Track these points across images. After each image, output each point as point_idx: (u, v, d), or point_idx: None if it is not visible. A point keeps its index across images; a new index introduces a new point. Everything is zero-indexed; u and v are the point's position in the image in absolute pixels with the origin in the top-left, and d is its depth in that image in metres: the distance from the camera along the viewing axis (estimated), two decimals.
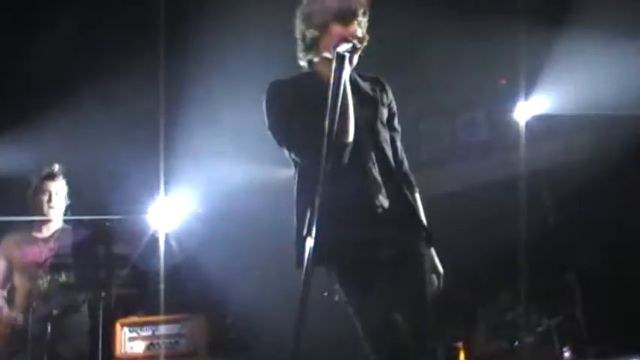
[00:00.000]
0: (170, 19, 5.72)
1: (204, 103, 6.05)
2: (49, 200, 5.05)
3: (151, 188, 6.43)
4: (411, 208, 3.05)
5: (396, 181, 3.04)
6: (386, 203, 2.96)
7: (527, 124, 6.44)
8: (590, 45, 5.64)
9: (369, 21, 3.01)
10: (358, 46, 2.82)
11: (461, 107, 6.76)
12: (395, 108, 3.20)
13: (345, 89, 2.72)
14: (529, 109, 6.45)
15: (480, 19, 5.74)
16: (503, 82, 6.45)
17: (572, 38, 5.73)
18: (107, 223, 5.17)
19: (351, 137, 2.85)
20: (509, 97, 6.46)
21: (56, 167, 5.12)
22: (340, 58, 2.69)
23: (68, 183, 5.19)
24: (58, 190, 5.11)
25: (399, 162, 3.15)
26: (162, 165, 6.21)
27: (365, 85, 3.11)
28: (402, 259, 2.93)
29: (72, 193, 5.21)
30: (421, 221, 3.09)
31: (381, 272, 2.87)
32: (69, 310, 4.93)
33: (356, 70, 3.08)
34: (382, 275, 2.87)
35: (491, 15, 5.69)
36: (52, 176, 5.09)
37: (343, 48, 2.74)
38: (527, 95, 6.37)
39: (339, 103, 2.62)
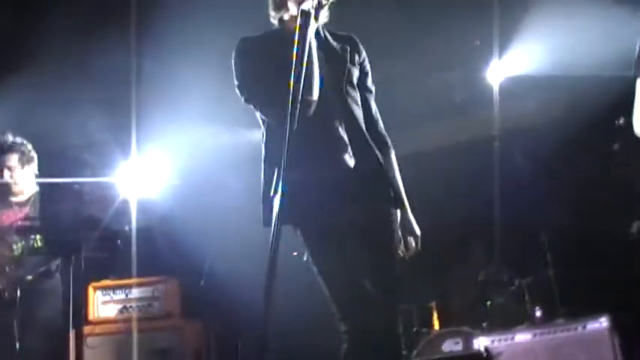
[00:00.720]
0: None
1: (178, 66, 5.97)
2: (3, 176, 4.83)
3: (124, 152, 6.38)
4: (380, 169, 3.01)
5: (366, 141, 3.00)
6: (352, 163, 2.93)
7: (501, 85, 6.42)
8: (563, 5, 5.61)
9: None
10: (324, 2, 2.78)
11: (435, 68, 6.71)
12: (368, 67, 3.15)
13: (310, 46, 2.68)
14: (503, 69, 6.43)
15: None
16: (477, 42, 6.41)
17: None
18: (76, 186, 5.10)
19: (315, 94, 2.82)
20: (483, 57, 6.43)
21: (4, 139, 4.86)
22: (304, 14, 2.66)
23: (33, 150, 4.98)
24: (12, 165, 4.86)
25: (371, 122, 3.10)
26: (134, 128, 6.15)
27: (335, 44, 3.08)
28: (368, 219, 2.93)
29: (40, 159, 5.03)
30: (390, 182, 3.06)
31: (345, 233, 2.86)
32: (42, 276, 4.86)
33: (328, 27, 3.06)
34: (347, 236, 2.86)
35: None
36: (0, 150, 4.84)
37: (307, 5, 2.70)
38: (500, 55, 6.34)
39: (304, 60, 2.58)
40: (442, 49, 6.34)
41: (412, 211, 3.15)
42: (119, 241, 5.83)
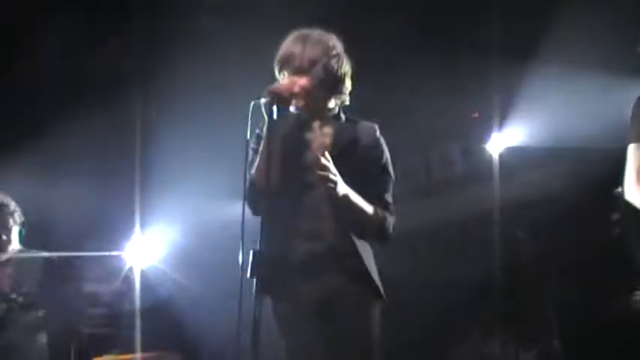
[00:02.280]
0: (147, 56, 5.74)
1: (181, 138, 6.04)
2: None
3: (126, 226, 6.40)
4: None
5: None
6: (326, 248, 2.97)
7: (501, 156, 6.47)
8: (563, 78, 5.70)
9: None
10: (285, 95, 2.88)
11: (434, 140, 6.78)
12: (381, 158, 3.14)
13: (270, 135, 2.83)
14: (503, 141, 6.48)
15: (454, 50, 5.79)
16: (476, 115, 6.49)
17: (545, 71, 5.79)
18: (79, 262, 5.10)
19: (268, 183, 2.81)
20: (483, 129, 6.49)
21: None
22: (255, 107, 2.81)
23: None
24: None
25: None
26: (137, 202, 6.19)
27: (338, 129, 3.10)
28: (333, 309, 2.94)
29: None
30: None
31: (308, 320, 2.93)
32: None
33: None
34: (309, 323, 2.93)
35: (464, 45, 5.73)
36: None
37: (260, 99, 2.82)
38: (500, 127, 6.40)
39: (261, 149, 2.83)
40: (441, 122, 6.40)
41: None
42: (122, 316, 5.82)
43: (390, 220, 3.12)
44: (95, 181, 6.30)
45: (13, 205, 4.91)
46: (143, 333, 5.94)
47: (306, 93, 2.97)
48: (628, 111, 3.43)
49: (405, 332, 5.90)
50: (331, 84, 3.05)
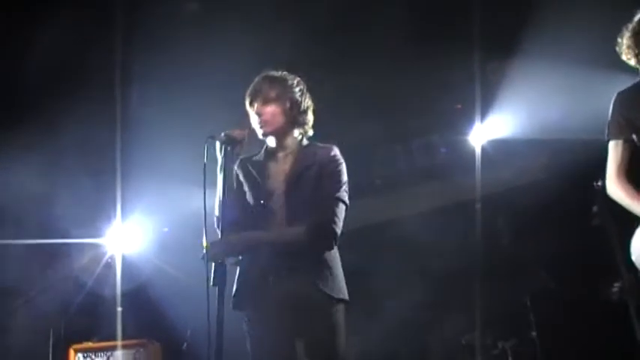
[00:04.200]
0: (128, 36, 5.70)
1: (161, 127, 6.03)
2: None
3: (107, 213, 6.40)
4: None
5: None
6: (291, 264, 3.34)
7: (483, 148, 6.51)
8: (544, 71, 5.73)
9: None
10: (236, 141, 3.32)
11: (417, 131, 6.81)
12: (333, 173, 3.50)
13: (224, 172, 3.25)
14: (485, 132, 6.52)
15: (436, 43, 5.80)
16: (459, 106, 6.52)
17: (527, 64, 5.82)
18: (63, 248, 5.09)
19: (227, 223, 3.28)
20: (465, 121, 6.53)
21: None
22: (209, 144, 3.28)
23: None
24: None
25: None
26: (119, 190, 6.18)
27: (301, 156, 3.54)
28: (298, 319, 3.31)
29: None
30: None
31: (274, 327, 3.33)
32: None
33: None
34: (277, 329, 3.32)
35: (447, 39, 5.75)
36: None
37: (212, 140, 3.29)
38: (482, 119, 6.44)
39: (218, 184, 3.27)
40: (424, 113, 6.43)
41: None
42: (102, 303, 5.81)
43: (325, 229, 3.41)
44: (77, 170, 6.28)
45: None
46: (123, 320, 5.94)
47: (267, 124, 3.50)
48: (608, 104, 3.47)
49: (387, 321, 5.96)
50: (294, 115, 3.54)
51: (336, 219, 3.41)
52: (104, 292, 6.13)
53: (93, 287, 6.02)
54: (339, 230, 3.41)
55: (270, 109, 3.50)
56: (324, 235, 3.39)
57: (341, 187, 3.48)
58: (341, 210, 3.44)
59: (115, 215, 6.41)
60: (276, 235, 3.41)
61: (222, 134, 3.27)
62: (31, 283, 5.71)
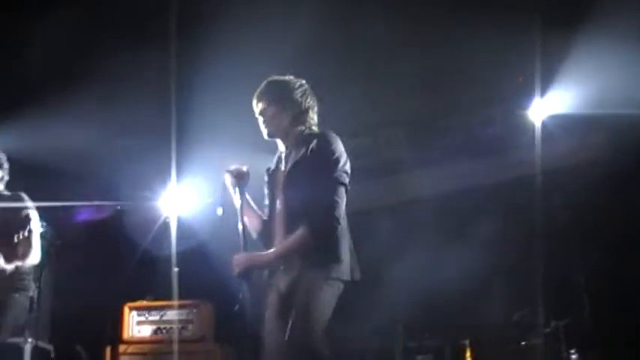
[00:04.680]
0: (184, 4, 5.72)
1: (218, 88, 6.05)
2: None
3: (164, 175, 6.45)
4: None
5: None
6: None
7: (543, 123, 6.41)
8: (607, 44, 5.61)
9: None
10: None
11: (477, 104, 6.72)
12: (319, 157, 3.60)
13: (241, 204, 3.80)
14: (545, 107, 6.41)
15: (498, 16, 5.72)
16: (521, 79, 6.41)
17: (590, 36, 5.71)
18: (118, 208, 5.16)
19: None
20: (526, 95, 6.42)
21: None
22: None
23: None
24: None
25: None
26: (174, 152, 6.22)
27: (299, 147, 3.71)
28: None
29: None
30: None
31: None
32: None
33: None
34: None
35: (509, 12, 5.66)
36: None
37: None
38: (543, 93, 6.33)
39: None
40: (485, 86, 6.35)
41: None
42: (158, 263, 5.88)
43: (318, 222, 3.51)
44: (133, 132, 6.35)
45: None
46: (177, 281, 6.01)
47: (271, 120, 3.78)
48: None
49: (440, 294, 5.94)
50: (295, 115, 3.76)
51: (335, 203, 3.49)
52: (159, 253, 6.20)
53: (148, 248, 6.10)
54: (339, 212, 3.50)
55: (271, 110, 3.77)
56: (324, 228, 3.48)
57: (334, 168, 3.56)
58: (338, 191, 3.53)
59: (170, 177, 6.47)
60: (282, 248, 3.57)
61: (233, 169, 3.81)
62: (90, 244, 5.80)
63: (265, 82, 3.86)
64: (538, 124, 6.38)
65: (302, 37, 5.41)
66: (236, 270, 3.65)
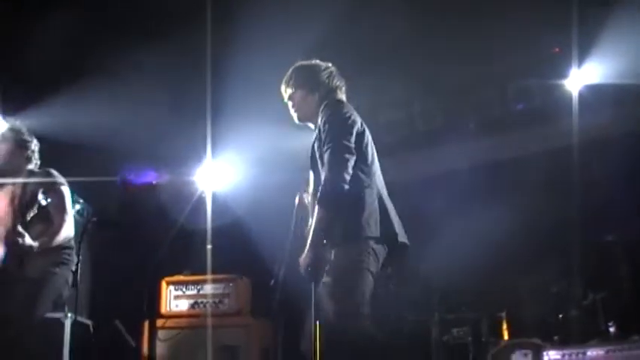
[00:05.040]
0: None
1: (253, 67, 6.05)
2: None
3: (199, 151, 6.49)
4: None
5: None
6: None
7: (580, 93, 6.32)
8: None
9: None
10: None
11: (514, 74, 6.65)
12: (326, 130, 3.64)
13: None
14: (582, 77, 6.32)
15: None
16: (557, 50, 6.32)
17: (627, 5, 5.61)
18: (154, 183, 5.20)
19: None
20: (563, 65, 6.33)
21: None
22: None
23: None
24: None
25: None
26: (209, 128, 6.26)
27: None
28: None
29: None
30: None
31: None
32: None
33: None
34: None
35: None
36: None
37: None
38: (580, 64, 6.23)
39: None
40: (521, 56, 6.27)
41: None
42: (194, 239, 5.92)
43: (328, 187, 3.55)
44: (169, 109, 6.39)
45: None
46: (214, 255, 6.07)
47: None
48: None
49: (479, 264, 5.92)
50: (322, 96, 3.80)
51: (341, 171, 3.50)
52: (196, 228, 6.26)
53: (185, 223, 6.15)
54: (345, 178, 3.50)
55: (299, 94, 3.84)
56: (335, 198, 3.50)
57: (338, 137, 3.57)
58: (342, 159, 3.53)
59: (205, 153, 6.51)
60: (313, 230, 3.56)
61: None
62: (128, 218, 5.84)
63: (292, 67, 3.92)
64: (575, 94, 6.31)
65: (337, 15, 5.41)
66: (305, 274, 3.64)
